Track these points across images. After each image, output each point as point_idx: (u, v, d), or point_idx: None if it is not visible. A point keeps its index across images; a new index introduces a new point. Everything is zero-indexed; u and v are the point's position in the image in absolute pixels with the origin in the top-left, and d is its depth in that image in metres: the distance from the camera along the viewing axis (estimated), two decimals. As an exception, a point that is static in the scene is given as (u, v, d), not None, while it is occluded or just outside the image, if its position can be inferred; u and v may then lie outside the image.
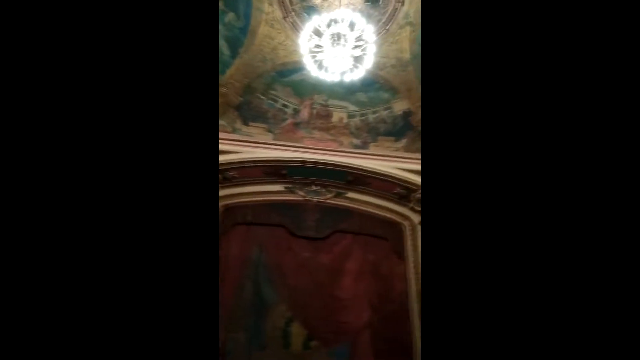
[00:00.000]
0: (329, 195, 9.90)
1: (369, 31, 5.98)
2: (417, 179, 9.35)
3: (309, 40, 6.12)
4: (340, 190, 9.88)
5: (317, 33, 6.07)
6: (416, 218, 9.76)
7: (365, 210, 9.97)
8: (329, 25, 5.98)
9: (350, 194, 9.91)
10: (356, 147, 9.38)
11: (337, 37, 5.95)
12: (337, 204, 9.88)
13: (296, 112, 8.97)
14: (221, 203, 8.48)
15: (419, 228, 9.73)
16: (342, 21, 5.92)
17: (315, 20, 6.05)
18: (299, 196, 9.71)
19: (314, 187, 9.82)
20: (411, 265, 9.46)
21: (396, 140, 9.38)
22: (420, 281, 9.07)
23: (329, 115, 9.17)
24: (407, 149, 9.42)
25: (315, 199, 9.78)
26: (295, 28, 7.39)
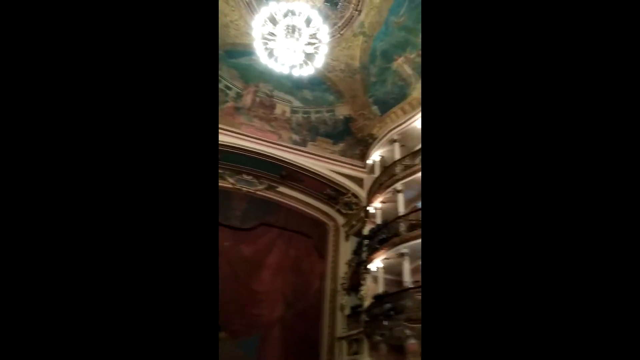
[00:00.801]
0: (260, 187, 9.73)
1: (324, 31, 6.01)
2: (348, 183, 9.71)
3: (263, 25, 5.94)
4: (273, 184, 9.78)
5: (273, 20, 5.92)
6: (341, 220, 10.13)
7: (294, 207, 10.04)
8: (285, 15, 5.88)
9: (282, 189, 9.89)
10: (295, 143, 9.38)
11: (291, 30, 5.87)
12: (266, 197, 9.77)
13: (239, 96, 8.65)
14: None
15: (342, 230, 10.14)
16: (299, 15, 5.86)
17: (273, 7, 5.90)
18: (228, 183, 9.38)
19: (245, 177, 9.56)
20: (330, 264, 9.78)
21: (334, 143, 9.60)
22: (336, 280, 9.52)
23: (272, 106, 9.02)
24: (343, 153, 9.71)
25: (245, 188, 9.53)
26: (251, 9, 7.11)
